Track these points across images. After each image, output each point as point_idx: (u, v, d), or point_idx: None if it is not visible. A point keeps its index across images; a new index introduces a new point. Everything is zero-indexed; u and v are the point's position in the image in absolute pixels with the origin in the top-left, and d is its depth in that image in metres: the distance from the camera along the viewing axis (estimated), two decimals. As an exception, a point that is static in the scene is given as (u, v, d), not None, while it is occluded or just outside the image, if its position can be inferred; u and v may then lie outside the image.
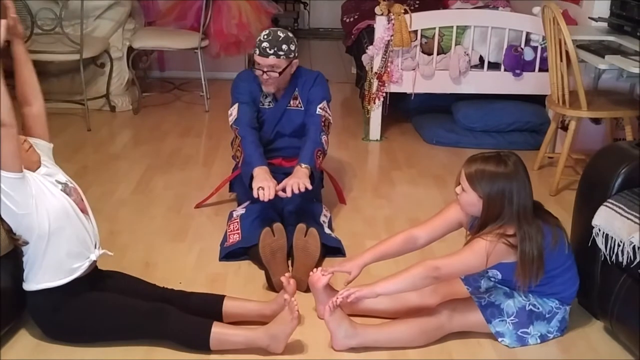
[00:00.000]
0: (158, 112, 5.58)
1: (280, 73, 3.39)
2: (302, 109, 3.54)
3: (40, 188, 2.44)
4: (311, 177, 3.31)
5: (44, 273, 2.50)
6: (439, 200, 4.02)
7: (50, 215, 2.44)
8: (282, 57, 3.36)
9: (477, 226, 2.58)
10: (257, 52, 3.38)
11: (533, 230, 2.50)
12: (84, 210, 2.58)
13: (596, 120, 4.46)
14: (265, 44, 3.35)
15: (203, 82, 5.61)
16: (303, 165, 3.32)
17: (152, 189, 4.08)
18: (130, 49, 5.53)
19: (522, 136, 4.94)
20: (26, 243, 2.47)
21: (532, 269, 2.50)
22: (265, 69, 3.37)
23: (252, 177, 3.26)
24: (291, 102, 3.56)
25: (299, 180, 3.20)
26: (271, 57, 3.34)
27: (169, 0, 5.89)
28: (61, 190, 2.51)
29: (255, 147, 3.38)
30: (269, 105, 3.54)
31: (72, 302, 2.53)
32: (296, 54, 3.45)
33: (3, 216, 2.41)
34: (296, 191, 3.17)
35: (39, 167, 2.52)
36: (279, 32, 3.41)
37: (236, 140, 3.47)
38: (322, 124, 3.48)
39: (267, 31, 3.43)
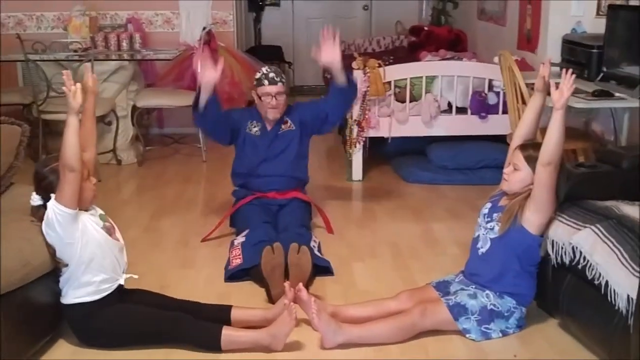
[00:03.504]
0: (160, 164, 6.07)
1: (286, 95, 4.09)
2: (294, 128, 4.19)
3: (86, 225, 2.91)
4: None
5: (79, 290, 2.95)
6: (416, 229, 4.52)
7: (90, 247, 2.91)
8: (284, 84, 4.09)
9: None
10: (267, 82, 4.06)
11: None
12: (110, 231, 3.03)
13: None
14: (272, 74, 4.07)
15: (200, 136, 6.12)
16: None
17: (160, 227, 4.55)
18: (134, 108, 6.05)
19: (490, 172, 5.41)
20: (66, 265, 2.94)
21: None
22: (274, 94, 4.03)
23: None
24: (282, 127, 4.19)
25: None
26: (279, 83, 4.07)
27: (166, 63, 6.42)
28: (101, 228, 2.97)
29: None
30: (256, 133, 4.12)
31: (102, 312, 2.97)
32: None
33: (50, 242, 2.89)
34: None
35: (89, 206, 2.99)
36: (277, 68, 4.21)
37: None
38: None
39: (266, 67, 4.17)
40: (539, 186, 3.00)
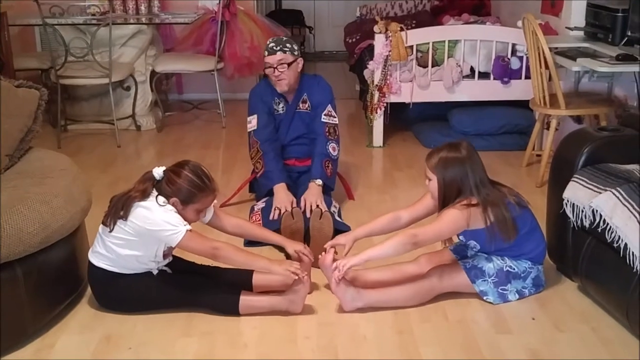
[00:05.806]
0: (179, 130, 6.08)
1: (288, 65, 3.86)
2: (310, 111, 4.04)
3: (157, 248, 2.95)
4: (325, 187, 3.82)
5: (109, 261, 2.96)
6: (436, 194, 4.48)
7: (138, 257, 2.95)
8: (287, 52, 3.87)
9: (441, 204, 3.06)
10: (266, 53, 3.89)
11: (495, 196, 3.00)
12: (166, 256, 3.04)
13: (578, 120, 4.91)
14: (271, 44, 3.90)
15: (220, 101, 6.11)
16: (316, 182, 3.80)
17: (179, 193, 4.54)
18: (153, 73, 6.03)
19: (512, 138, 5.41)
20: (110, 231, 2.91)
21: (505, 229, 2.97)
22: (275, 65, 3.86)
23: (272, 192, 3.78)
24: (300, 105, 4.05)
25: (316, 200, 3.71)
26: (278, 52, 3.86)
27: (185, 28, 6.39)
28: (163, 251, 2.98)
29: (276, 163, 3.87)
30: (282, 110, 4.03)
31: (123, 278, 2.97)
32: (299, 53, 3.97)
33: (123, 228, 2.89)
34: (308, 214, 3.63)
35: None
36: (282, 37, 4.01)
37: (257, 153, 3.93)
38: (327, 132, 3.97)
39: (275, 37, 4.02)
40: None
